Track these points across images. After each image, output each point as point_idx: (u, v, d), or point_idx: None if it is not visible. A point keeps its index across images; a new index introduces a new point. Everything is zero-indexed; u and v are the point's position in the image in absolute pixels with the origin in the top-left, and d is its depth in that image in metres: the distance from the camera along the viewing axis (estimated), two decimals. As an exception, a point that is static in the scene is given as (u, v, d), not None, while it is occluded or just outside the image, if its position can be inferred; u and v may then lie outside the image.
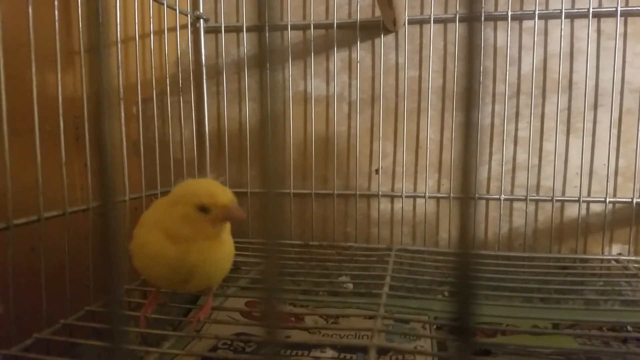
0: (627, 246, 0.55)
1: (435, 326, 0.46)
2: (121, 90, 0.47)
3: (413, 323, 0.47)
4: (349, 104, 0.60)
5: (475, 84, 0.13)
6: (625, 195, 0.55)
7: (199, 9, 0.60)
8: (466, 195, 0.13)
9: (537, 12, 0.53)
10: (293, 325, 0.47)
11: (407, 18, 0.56)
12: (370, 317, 0.41)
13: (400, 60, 0.58)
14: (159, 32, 0.59)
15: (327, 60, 0.59)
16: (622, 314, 0.49)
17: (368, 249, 0.57)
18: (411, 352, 0.41)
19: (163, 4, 0.54)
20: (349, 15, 0.58)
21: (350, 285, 0.53)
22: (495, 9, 0.55)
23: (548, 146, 0.55)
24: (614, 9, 0.52)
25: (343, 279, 0.54)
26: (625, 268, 0.51)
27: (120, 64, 0.47)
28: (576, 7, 0.54)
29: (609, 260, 0.54)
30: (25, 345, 0.35)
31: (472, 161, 0.13)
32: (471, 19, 0.12)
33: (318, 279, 0.53)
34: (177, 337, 0.40)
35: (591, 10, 0.53)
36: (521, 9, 0.54)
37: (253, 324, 0.45)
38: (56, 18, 0.40)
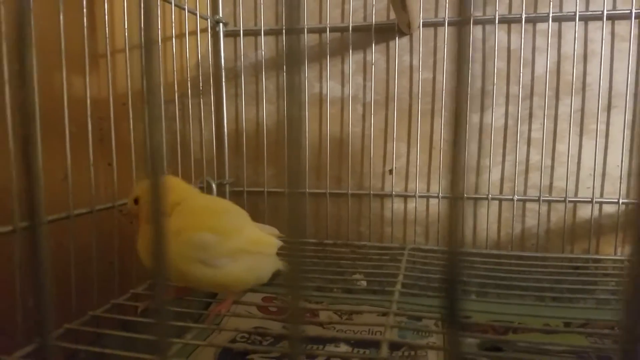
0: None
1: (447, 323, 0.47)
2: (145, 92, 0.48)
3: (425, 320, 0.48)
4: (364, 105, 0.60)
5: (464, 86, 0.14)
6: (638, 196, 0.54)
7: (218, 14, 0.61)
8: (455, 195, 0.14)
9: (550, 15, 0.53)
10: (308, 321, 0.48)
11: (421, 21, 0.56)
12: (384, 314, 0.41)
13: (415, 62, 0.58)
14: (180, 36, 0.60)
15: (342, 62, 0.60)
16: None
17: (381, 248, 0.58)
18: (423, 348, 0.41)
19: (184, 9, 0.55)
20: (364, 18, 0.59)
21: (364, 283, 0.54)
22: (509, 12, 0.55)
23: (561, 147, 0.55)
24: (629, 11, 0.52)
25: (357, 276, 0.55)
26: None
27: (143, 68, 0.48)
28: (590, 9, 0.53)
29: (621, 261, 0.53)
30: (58, 334, 0.36)
31: (462, 161, 0.14)
32: (461, 23, 0.13)
33: (332, 276, 0.53)
34: (199, 329, 0.41)
35: (605, 12, 0.52)
36: (535, 11, 0.54)
37: (271, 319, 0.46)
38: (85, 24, 0.41)
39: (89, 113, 0.41)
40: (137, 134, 0.47)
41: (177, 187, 0.40)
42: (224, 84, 0.62)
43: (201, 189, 0.56)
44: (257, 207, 0.62)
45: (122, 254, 0.46)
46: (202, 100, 0.60)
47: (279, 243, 0.44)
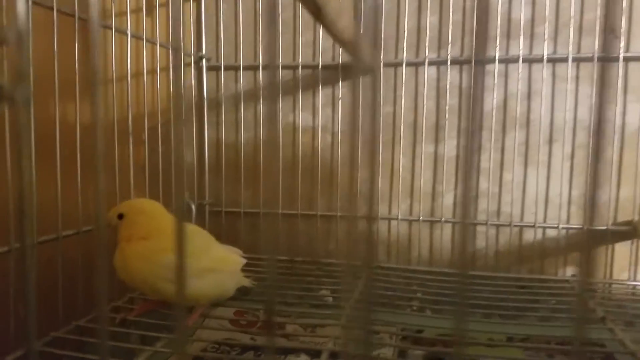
0: (579, 268, 0.59)
1: (400, 337, 0.51)
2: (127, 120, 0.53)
3: (382, 334, 0.52)
4: (332, 134, 0.65)
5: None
6: (577, 222, 0.59)
7: (202, 51, 0.66)
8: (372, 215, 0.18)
9: (497, 58, 0.59)
10: (275, 333, 0.52)
11: (382, 62, 0.62)
12: (344, 327, 0.45)
13: (379, 97, 0.63)
14: (167, 69, 0.65)
15: (314, 96, 0.65)
16: (571, 329, 0.53)
17: (343, 265, 0.62)
18: (370, 359, 0.46)
19: (169, 48, 0.60)
20: (333, 58, 0.64)
21: (330, 299, 0.58)
22: (461, 54, 0.60)
23: (507, 176, 0.60)
24: (567, 55, 0.57)
25: (324, 292, 0.59)
26: (584, 290, 0.55)
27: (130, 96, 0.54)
28: (533, 53, 0.59)
29: (562, 281, 0.58)
30: (45, 342, 0.41)
31: (375, 184, 0.18)
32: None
33: (300, 292, 0.58)
34: (170, 339, 0.45)
35: (546, 56, 0.57)
36: (484, 54, 0.60)
37: (241, 331, 0.50)
38: (76, 57, 0.46)
39: (78, 138, 0.46)
40: (125, 157, 0.52)
41: (158, 213, 0.45)
42: (206, 112, 0.67)
43: (187, 210, 0.61)
44: (234, 226, 0.67)
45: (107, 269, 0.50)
46: (185, 127, 0.65)
47: (242, 261, 0.48)
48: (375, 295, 0.54)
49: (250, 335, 0.51)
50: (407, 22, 0.61)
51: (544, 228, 0.60)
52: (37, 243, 0.42)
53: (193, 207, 0.61)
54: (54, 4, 0.42)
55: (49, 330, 0.43)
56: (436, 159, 0.62)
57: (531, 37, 0.58)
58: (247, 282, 0.49)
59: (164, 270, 0.40)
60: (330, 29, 0.33)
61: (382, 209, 0.64)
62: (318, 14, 0.33)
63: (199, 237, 0.46)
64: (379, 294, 0.54)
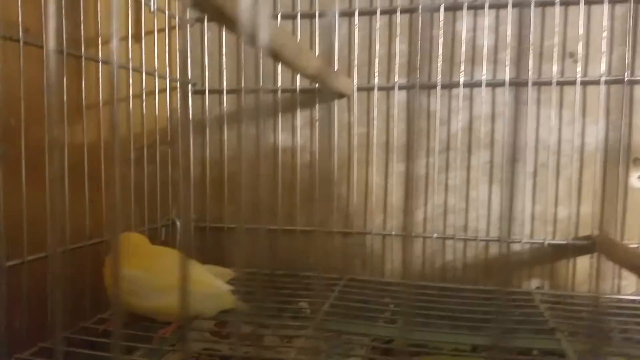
0: (543, 280, 0.62)
1: (370, 347, 0.54)
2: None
3: (354, 344, 0.55)
4: (311, 154, 0.68)
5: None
6: (540, 237, 0.62)
7: (188, 76, 0.70)
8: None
9: (462, 82, 0.62)
10: (251, 343, 0.55)
11: (356, 87, 0.65)
12: (321, 338, 0.48)
13: (352, 119, 0.66)
14: (154, 94, 0.69)
15: (293, 118, 0.69)
16: (532, 340, 0.55)
17: (324, 278, 0.65)
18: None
19: (157, 74, 0.64)
20: (310, 82, 0.67)
21: (309, 311, 0.61)
22: (429, 80, 0.64)
23: (473, 193, 0.63)
24: (527, 79, 0.60)
25: (302, 304, 0.62)
26: (540, 300, 0.58)
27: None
28: (496, 77, 0.62)
29: (527, 293, 0.61)
30: (33, 351, 0.44)
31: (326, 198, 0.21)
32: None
33: (280, 304, 0.61)
34: (150, 349, 0.48)
35: (508, 80, 0.61)
36: (450, 79, 0.63)
37: (217, 341, 0.53)
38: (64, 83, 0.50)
39: (66, 158, 0.49)
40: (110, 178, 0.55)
41: (141, 242, 0.49)
42: (192, 133, 0.70)
43: (167, 226, 0.65)
44: (219, 241, 0.70)
45: (93, 284, 0.53)
46: (172, 147, 0.69)
47: (224, 287, 0.51)
48: (346, 306, 0.56)
49: (230, 345, 0.53)
50: (378, 50, 0.64)
51: (508, 243, 0.62)
52: (27, 261, 0.45)
53: (178, 223, 0.64)
54: (44, 44, 0.45)
55: (38, 341, 0.46)
56: (407, 177, 0.65)
57: (494, 62, 0.61)
58: (232, 305, 0.52)
59: (129, 284, 0.44)
60: (292, 67, 0.36)
61: (357, 224, 0.67)
62: (276, 57, 0.36)
63: (168, 257, 0.49)
64: (352, 306, 0.57)
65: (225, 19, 0.26)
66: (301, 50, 0.38)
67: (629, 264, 0.48)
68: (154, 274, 0.46)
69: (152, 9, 0.61)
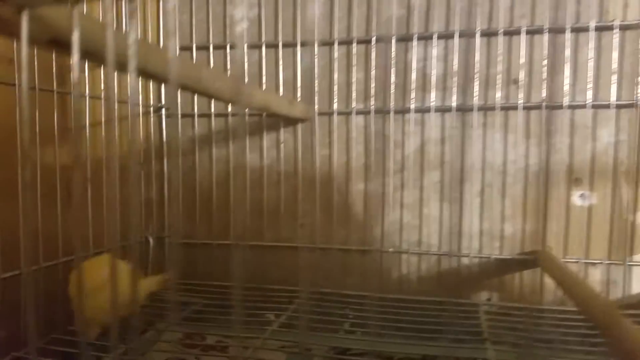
0: (492, 293, 0.65)
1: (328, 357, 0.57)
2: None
3: (313, 353, 0.58)
4: (278, 173, 0.72)
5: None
6: (488, 252, 0.65)
7: (162, 101, 0.74)
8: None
9: (413, 108, 0.66)
10: (218, 354, 0.59)
11: (317, 112, 0.69)
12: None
13: (316, 142, 0.70)
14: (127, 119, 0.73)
15: (261, 140, 0.73)
16: (478, 350, 0.58)
17: (288, 291, 0.69)
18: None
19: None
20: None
21: (274, 322, 0.65)
22: (384, 105, 0.68)
23: (426, 211, 0.67)
24: (472, 105, 0.64)
25: (269, 316, 0.66)
26: (484, 312, 0.61)
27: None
28: (445, 103, 0.66)
29: (474, 305, 0.64)
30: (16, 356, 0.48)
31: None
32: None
33: (247, 317, 0.64)
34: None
35: (455, 105, 0.65)
36: (403, 105, 0.67)
37: (187, 352, 0.57)
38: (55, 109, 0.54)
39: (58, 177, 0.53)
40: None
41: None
42: (165, 155, 0.75)
43: (141, 243, 0.69)
44: (192, 256, 0.74)
45: (65, 297, 0.57)
46: (146, 167, 0.73)
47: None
48: (304, 318, 0.60)
49: (196, 355, 0.57)
50: (337, 78, 0.69)
51: (459, 257, 0.66)
52: (2, 279, 0.49)
53: (151, 240, 0.68)
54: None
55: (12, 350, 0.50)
56: (366, 195, 0.69)
57: (443, 89, 0.66)
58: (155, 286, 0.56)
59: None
60: (206, 94, 0.40)
61: (320, 239, 0.71)
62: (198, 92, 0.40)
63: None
64: (312, 318, 0.60)
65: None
66: (216, 75, 0.41)
67: (556, 278, 0.52)
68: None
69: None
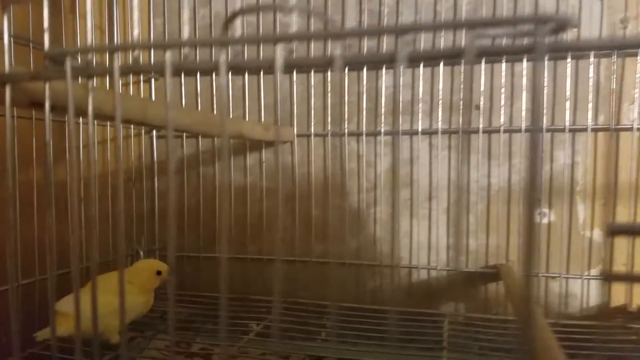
0: (459, 304, 0.69)
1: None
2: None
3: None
4: (261, 190, 0.77)
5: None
6: (454, 265, 0.69)
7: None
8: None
9: (382, 131, 0.70)
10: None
11: (296, 134, 0.74)
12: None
13: (295, 161, 0.75)
14: (127, 137, 0.79)
15: (245, 159, 0.77)
16: (435, 358, 0.61)
17: (267, 301, 0.73)
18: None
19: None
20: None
21: (257, 330, 0.69)
22: (357, 128, 0.72)
23: (397, 226, 0.71)
24: (437, 128, 0.69)
25: (253, 325, 0.70)
26: (449, 322, 0.65)
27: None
28: (413, 127, 0.70)
29: (441, 315, 0.68)
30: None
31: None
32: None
33: (231, 327, 0.68)
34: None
35: (420, 129, 0.69)
36: (375, 128, 0.71)
37: (170, 358, 0.61)
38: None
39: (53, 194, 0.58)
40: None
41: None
42: (156, 173, 0.79)
43: (132, 255, 0.73)
44: (181, 268, 0.78)
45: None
46: (137, 185, 0.78)
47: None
48: (282, 328, 0.64)
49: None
50: (314, 103, 0.73)
51: (428, 269, 0.70)
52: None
53: (141, 252, 0.73)
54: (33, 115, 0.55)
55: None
56: (343, 211, 0.73)
57: (411, 114, 0.70)
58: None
59: None
60: (178, 130, 0.44)
61: (300, 252, 0.75)
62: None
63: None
64: (290, 327, 0.64)
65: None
66: (188, 111, 0.46)
67: (507, 292, 0.56)
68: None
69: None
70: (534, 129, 0.26)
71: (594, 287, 0.66)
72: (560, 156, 0.66)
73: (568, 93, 0.64)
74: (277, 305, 0.70)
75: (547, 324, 0.43)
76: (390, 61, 0.23)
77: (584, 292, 0.66)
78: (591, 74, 0.64)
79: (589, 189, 0.66)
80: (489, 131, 0.68)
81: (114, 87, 0.25)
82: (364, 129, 0.71)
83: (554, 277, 0.67)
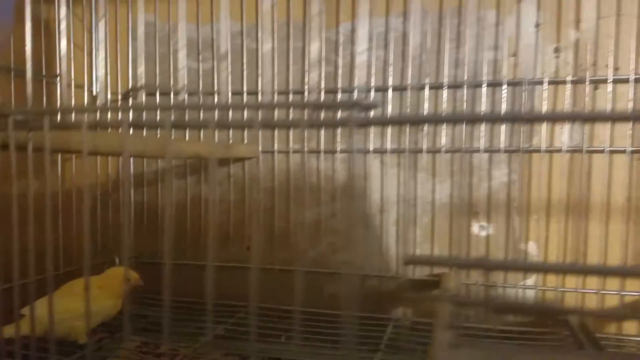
0: (407, 309, 0.75)
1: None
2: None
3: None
4: (229, 202, 0.83)
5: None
6: (403, 273, 0.75)
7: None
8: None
9: (339, 149, 0.76)
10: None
11: (260, 150, 0.80)
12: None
13: (261, 175, 0.81)
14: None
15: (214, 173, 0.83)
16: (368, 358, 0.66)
17: (232, 306, 0.78)
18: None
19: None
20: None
21: (223, 332, 0.74)
22: (317, 146, 0.78)
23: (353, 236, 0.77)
24: (387, 148, 0.75)
25: (219, 330, 0.75)
26: (394, 326, 0.71)
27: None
28: (366, 146, 0.76)
29: (389, 320, 0.74)
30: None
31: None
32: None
33: (197, 330, 0.73)
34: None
35: (372, 148, 0.75)
36: (333, 146, 0.77)
37: (140, 358, 0.66)
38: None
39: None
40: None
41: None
42: (132, 186, 0.85)
43: (112, 262, 0.79)
44: (155, 274, 0.84)
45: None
46: (113, 197, 0.84)
47: None
48: (241, 331, 0.70)
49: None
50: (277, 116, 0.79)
51: (380, 277, 0.76)
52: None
53: (117, 260, 0.78)
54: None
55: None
56: (303, 222, 0.79)
57: (365, 134, 0.76)
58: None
59: None
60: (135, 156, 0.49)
61: (264, 260, 0.81)
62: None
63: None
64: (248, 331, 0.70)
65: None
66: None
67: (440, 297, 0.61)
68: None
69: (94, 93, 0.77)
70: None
71: (530, 295, 0.72)
72: (497, 175, 0.72)
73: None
74: (253, 311, 0.76)
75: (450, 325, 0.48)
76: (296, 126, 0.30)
77: (519, 300, 0.72)
78: (524, 100, 0.70)
79: (525, 205, 0.71)
80: (433, 151, 0.74)
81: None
82: (322, 147, 0.77)
83: (492, 286, 0.72)
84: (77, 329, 0.59)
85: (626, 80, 0.67)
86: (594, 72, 0.69)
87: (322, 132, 0.77)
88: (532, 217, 0.71)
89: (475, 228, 0.73)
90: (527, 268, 0.36)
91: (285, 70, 0.79)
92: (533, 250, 0.72)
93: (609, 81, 0.67)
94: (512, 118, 0.38)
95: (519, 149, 0.71)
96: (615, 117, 0.38)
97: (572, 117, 0.45)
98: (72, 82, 0.75)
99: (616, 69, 0.68)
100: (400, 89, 0.75)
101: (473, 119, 0.37)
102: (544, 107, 0.70)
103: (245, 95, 0.81)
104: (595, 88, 0.69)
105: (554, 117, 0.40)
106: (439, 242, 0.74)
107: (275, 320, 0.73)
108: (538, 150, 0.70)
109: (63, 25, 0.63)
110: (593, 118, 0.38)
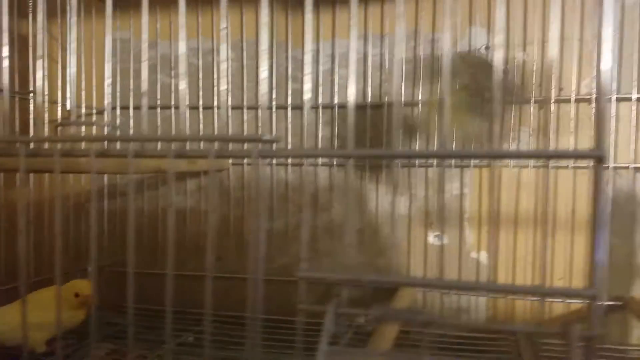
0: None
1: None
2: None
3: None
4: (199, 213, 0.86)
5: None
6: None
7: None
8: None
9: (306, 162, 0.80)
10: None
11: (231, 162, 0.83)
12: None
13: (246, 186, 0.84)
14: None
15: (185, 184, 0.86)
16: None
17: (200, 314, 0.81)
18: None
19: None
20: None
21: (191, 339, 0.76)
22: (285, 160, 0.82)
23: (318, 246, 0.80)
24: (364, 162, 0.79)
25: (189, 337, 0.78)
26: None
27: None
28: (333, 160, 0.80)
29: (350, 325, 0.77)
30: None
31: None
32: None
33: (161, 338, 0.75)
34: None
35: (336, 162, 0.79)
36: (300, 160, 0.81)
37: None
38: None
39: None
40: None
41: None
42: (105, 196, 0.87)
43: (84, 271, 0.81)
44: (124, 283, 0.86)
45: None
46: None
47: None
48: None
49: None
50: (246, 129, 0.83)
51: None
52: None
53: (89, 268, 0.80)
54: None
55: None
56: (272, 233, 0.82)
57: (333, 147, 0.80)
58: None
59: None
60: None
61: (238, 268, 0.84)
62: None
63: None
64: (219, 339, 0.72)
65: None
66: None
67: (397, 304, 0.65)
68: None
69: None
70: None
71: (482, 302, 0.76)
72: (451, 188, 0.77)
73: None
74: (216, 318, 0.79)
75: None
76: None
77: (471, 306, 0.76)
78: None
79: (476, 217, 0.76)
80: (405, 165, 0.78)
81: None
82: (290, 161, 0.81)
83: (447, 294, 0.77)
84: (34, 339, 0.61)
85: (569, 100, 0.73)
86: (539, 93, 0.74)
87: (289, 144, 0.81)
88: (483, 228, 0.76)
89: (431, 238, 0.77)
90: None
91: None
92: (484, 259, 0.76)
93: (552, 101, 0.73)
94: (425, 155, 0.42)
95: (468, 164, 0.75)
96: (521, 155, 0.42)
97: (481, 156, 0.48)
98: (46, 97, 0.77)
99: (560, 89, 0.74)
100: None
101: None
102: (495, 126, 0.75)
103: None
104: (540, 107, 0.74)
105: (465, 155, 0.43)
106: (398, 251, 0.78)
107: (242, 328, 0.75)
108: (488, 165, 0.75)
109: (38, 40, 0.65)
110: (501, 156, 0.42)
